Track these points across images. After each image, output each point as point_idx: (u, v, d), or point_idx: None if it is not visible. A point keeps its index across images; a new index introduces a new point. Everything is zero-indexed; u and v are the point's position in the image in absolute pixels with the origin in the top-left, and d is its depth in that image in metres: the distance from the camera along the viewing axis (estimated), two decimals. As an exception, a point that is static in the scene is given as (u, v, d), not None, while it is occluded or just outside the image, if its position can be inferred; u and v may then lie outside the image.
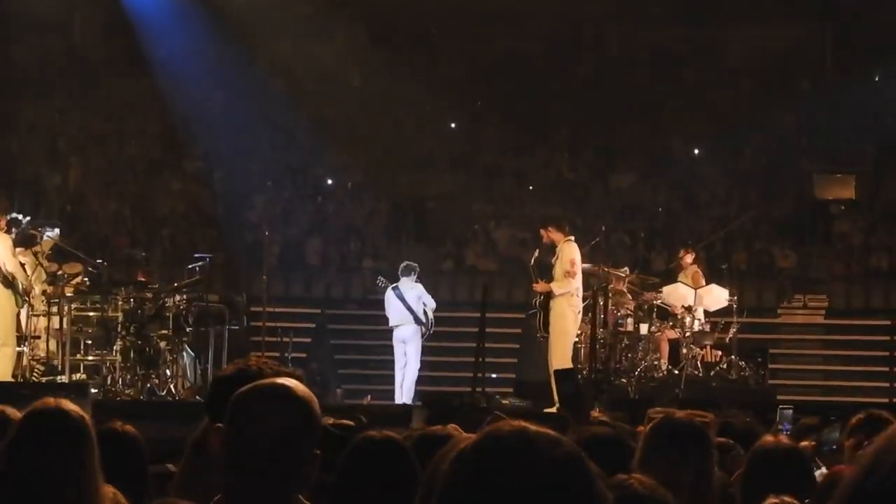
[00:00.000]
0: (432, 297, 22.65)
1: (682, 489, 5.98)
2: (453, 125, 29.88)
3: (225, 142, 28.32)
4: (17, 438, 5.14)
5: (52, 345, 19.22)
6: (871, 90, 27.40)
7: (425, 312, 22.20)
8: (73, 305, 19.38)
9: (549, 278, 19.90)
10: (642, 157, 28.07)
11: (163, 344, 19.67)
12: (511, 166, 28.49)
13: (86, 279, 19.86)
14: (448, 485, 2.84)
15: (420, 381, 21.95)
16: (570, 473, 2.83)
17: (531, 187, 27.04)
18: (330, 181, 29.52)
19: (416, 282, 22.40)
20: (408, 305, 22.08)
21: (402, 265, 22.55)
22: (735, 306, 21.28)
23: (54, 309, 19.22)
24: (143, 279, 20.85)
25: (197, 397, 18.23)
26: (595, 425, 11.22)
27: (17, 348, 18.47)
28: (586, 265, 20.38)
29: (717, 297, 21.20)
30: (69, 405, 5.12)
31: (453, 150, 29.36)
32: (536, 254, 20.62)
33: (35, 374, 18.44)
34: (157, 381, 19.29)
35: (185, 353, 20.05)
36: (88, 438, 4.97)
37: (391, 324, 22.20)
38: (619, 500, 4.77)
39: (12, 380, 17.86)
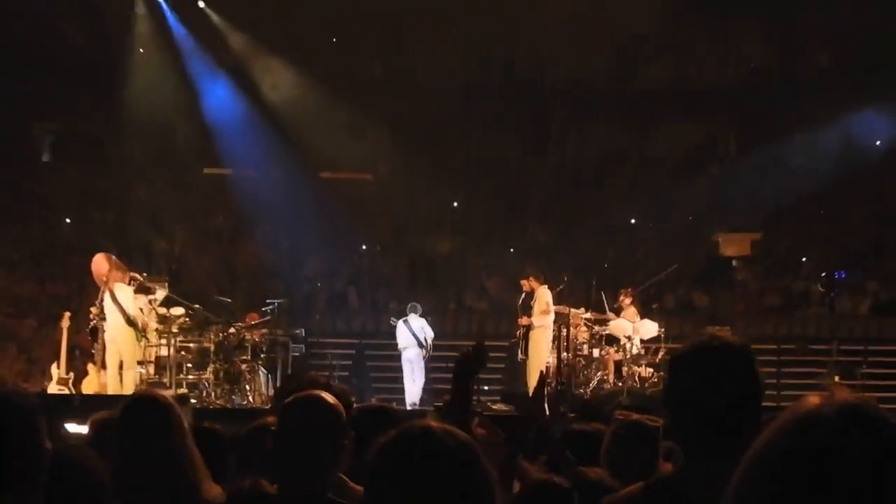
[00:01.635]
0: (436, 329, 22.88)
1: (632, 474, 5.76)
2: (455, 204, 29.81)
3: (286, 216, 28.53)
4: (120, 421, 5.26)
5: (163, 368, 19.56)
6: (763, 170, 27.29)
7: (425, 339, 22.41)
8: (178, 339, 19.62)
9: (530, 315, 20.36)
10: (596, 225, 27.82)
11: (244, 366, 19.81)
12: (499, 233, 28.33)
13: (187, 319, 19.93)
14: (371, 465, 2.98)
15: (430, 391, 22.08)
16: (463, 458, 2.98)
17: (513, 249, 26.90)
18: (364, 245, 29.51)
19: (420, 316, 22.56)
20: (413, 333, 22.33)
21: (409, 304, 22.76)
22: (663, 336, 21.42)
23: (164, 341, 19.47)
24: (253, 320, 20.96)
25: (268, 406, 17.22)
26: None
27: (138, 370, 18.71)
28: (556, 306, 20.57)
29: (650, 328, 21.36)
30: (162, 394, 5.45)
31: (455, 221, 29.58)
32: (522, 297, 20.70)
33: (151, 386, 17.69)
34: (239, 394, 19.56)
35: (260, 373, 20.31)
36: (180, 421, 5.11)
37: (400, 347, 22.41)
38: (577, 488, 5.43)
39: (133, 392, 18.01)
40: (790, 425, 1.92)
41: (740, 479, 1.97)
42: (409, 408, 20.28)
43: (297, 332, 21.75)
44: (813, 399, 1.91)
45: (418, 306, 22.86)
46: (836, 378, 21.19)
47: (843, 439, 1.83)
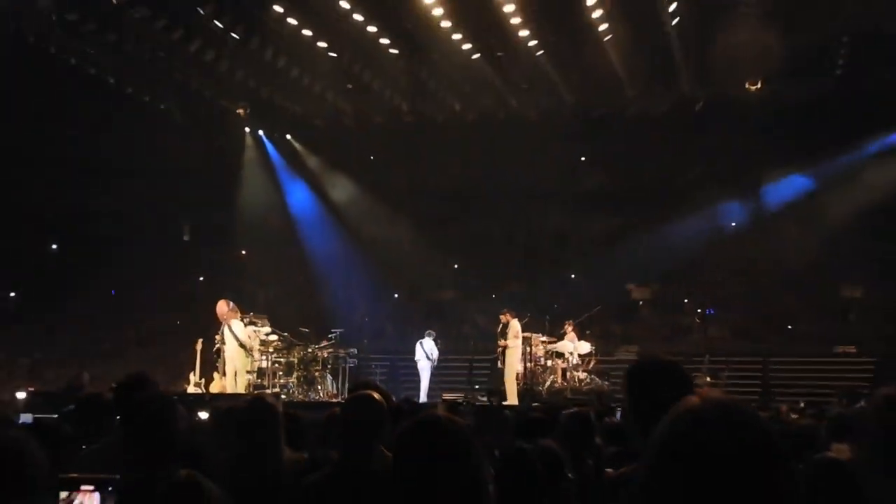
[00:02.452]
0: (441, 349, 22.80)
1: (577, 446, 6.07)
2: (455, 266, 29.68)
3: (343, 275, 28.73)
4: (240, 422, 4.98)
5: (263, 375, 19.51)
6: (659, 244, 27.12)
7: (432, 356, 22.46)
8: (273, 356, 19.66)
9: (505, 339, 20.14)
10: (550, 281, 27.81)
11: (316, 374, 20.11)
12: (486, 287, 28.11)
13: (279, 342, 19.92)
14: (399, 441, 3.06)
15: (440, 388, 22.21)
16: (460, 436, 3.06)
17: (494, 295, 26.65)
18: (396, 295, 29.53)
19: (431, 341, 22.60)
20: (425, 352, 22.44)
21: (426, 332, 22.79)
22: (593, 352, 21.64)
23: (264, 357, 19.47)
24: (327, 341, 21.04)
25: (335, 399, 18.38)
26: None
27: (247, 377, 18.75)
28: (523, 333, 20.46)
29: (584, 347, 21.49)
30: (269, 397, 5.23)
31: (455, 278, 29.57)
32: (500, 327, 20.46)
33: (256, 390, 18.18)
34: (313, 392, 19.81)
35: (328, 378, 20.37)
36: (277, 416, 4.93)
37: (416, 360, 22.59)
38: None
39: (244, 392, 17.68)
40: (676, 419, 1.82)
41: (642, 464, 1.90)
42: (423, 401, 19.94)
43: (352, 350, 21.58)
44: (692, 399, 1.83)
45: (432, 333, 22.88)
46: (708, 379, 21.17)
47: (713, 434, 1.73)
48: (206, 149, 29.12)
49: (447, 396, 19.09)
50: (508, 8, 20.66)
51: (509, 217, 28.52)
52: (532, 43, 22.77)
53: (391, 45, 23.17)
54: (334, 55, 23.78)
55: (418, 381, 22.43)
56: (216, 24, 21.76)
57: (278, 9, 21.31)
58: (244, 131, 30.61)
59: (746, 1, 19.27)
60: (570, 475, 5.14)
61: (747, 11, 19.90)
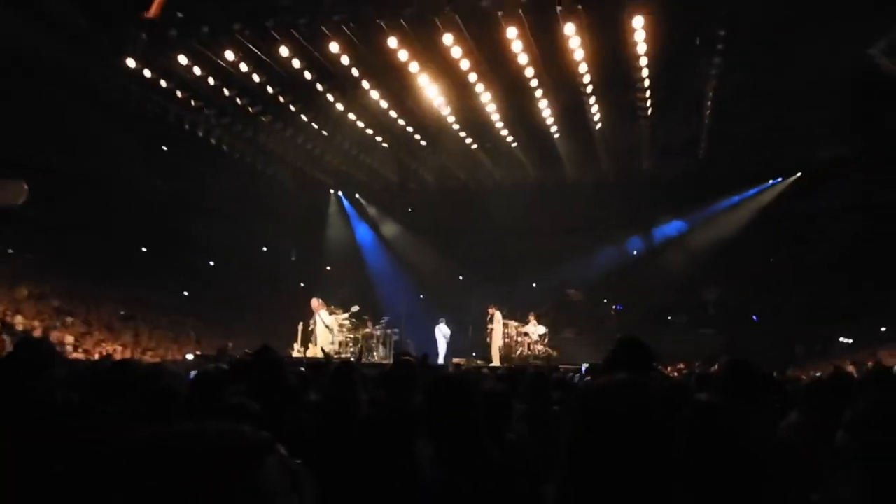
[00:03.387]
0: (451, 327, 22.46)
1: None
2: (461, 277, 29.21)
3: (393, 286, 28.40)
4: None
5: (340, 346, 19.43)
6: (584, 267, 27.02)
7: (445, 334, 22.15)
8: (346, 333, 19.63)
9: (492, 324, 20.23)
10: (520, 287, 27.03)
11: (373, 345, 20.03)
12: (478, 289, 26.85)
13: (350, 325, 19.84)
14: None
15: (448, 356, 21.55)
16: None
17: (485, 294, 26.11)
18: (421, 295, 28.92)
19: (444, 324, 22.36)
20: (441, 331, 22.16)
21: (441, 318, 22.53)
22: (547, 333, 21.24)
23: (340, 335, 19.48)
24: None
25: (384, 361, 18.03)
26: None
27: (330, 347, 18.60)
28: (504, 319, 20.50)
29: (541, 330, 21.09)
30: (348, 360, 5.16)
31: (461, 284, 28.95)
32: (489, 316, 20.52)
33: (333, 357, 18.02)
34: (372, 356, 19.50)
35: (380, 348, 20.19)
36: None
37: (436, 336, 22.09)
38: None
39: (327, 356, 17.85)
40: (592, 388, 1.69)
41: (568, 418, 1.72)
42: (440, 362, 19.70)
43: (395, 330, 21.28)
44: (605, 377, 1.70)
45: (444, 319, 22.64)
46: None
47: (613, 399, 1.62)
48: (306, 202, 29.08)
49: (455, 360, 18.95)
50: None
51: (495, 246, 27.70)
52: (509, 138, 22.81)
53: (416, 133, 23.00)
54: (385, 144, 23.97)
55: (436, 349, 22.01)
56: (314, 126, 22.02)
57: (352, 116, 21.40)
58: (329, 192, 30.59)
59: (641, 106, 19.15)
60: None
61: (642, 115, 19.95)
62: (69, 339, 19.39)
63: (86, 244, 23.08)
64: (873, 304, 23.24)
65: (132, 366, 3.58)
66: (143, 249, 27.34)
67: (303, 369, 7.67)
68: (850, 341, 22.46)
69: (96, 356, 18.00)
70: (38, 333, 18.38)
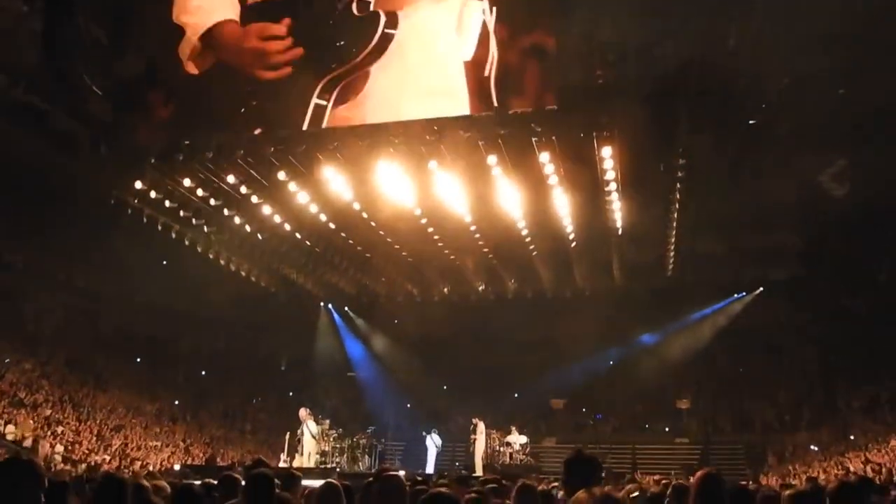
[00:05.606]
0: (442, 440, 22.02)
1: None
2: (445, 387, 28.53)
3: (379, 396, 27.87)
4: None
5: (326, 455, 18.88)
6: (569, 372, 26.49)
7: (437, 443, 21.67)
8: (332, 443, 19.11)
9: (475, 434, 19.97)
10: (502, 399, 26.81)
11: (358, 454, 19.50)
12: (461, 404, 26.47)
13: (336, 434, 19.45)
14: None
15: (438, 468, 20.90)
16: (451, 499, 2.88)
17: (469, 412, 25.68)
18: (408, 405, 28.33)
19: (436, 434, 21.92)
20: (432, 440, 21.68)
21: (432, 428, 22.12)
22: (528, 442, 20.99)
23: (325, 444, 18.95)
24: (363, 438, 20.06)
25: (369, 471, 17.50)
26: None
27: (316, 457, 18.31)
28: (486, 429, 20.24)
29: (522, 439, 20.83)
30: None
31: (446, 395, 28.33)
32: (472, 426, 20.34)
33: (320, 466, 17.91)
34: (357, 466, 19.01)
35: (366, 457, 19.65)
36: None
37: (426, 445, 21.69)
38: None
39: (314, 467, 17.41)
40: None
41: None
42: (430, 472, 19.16)
43: (382, 440, 21.04)
44: (581, 494, 1.64)
45: (436, 429, 22.27)
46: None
47: None
48: (296, 314, 28.96)
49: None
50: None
51: (477, 359, 27.37)
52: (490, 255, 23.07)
53: (402, 252, 23.28)
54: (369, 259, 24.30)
55: (425, 459, 21.49)
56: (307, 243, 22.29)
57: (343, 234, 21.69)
58: (320, 304, 30.54)
59: (617, 234, 19.64)
60: None
61: (617, 241, 20.38)
62: (59, 448, 18.82)
63: (77, 353, 22.83)
64: (840, 413, 23.30)
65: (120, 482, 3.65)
66: (138, 360, 27.03)
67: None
68: (816, 449, 22.28)
69: (83, 466, 17.43)
70: (28, 444, 17.88)
